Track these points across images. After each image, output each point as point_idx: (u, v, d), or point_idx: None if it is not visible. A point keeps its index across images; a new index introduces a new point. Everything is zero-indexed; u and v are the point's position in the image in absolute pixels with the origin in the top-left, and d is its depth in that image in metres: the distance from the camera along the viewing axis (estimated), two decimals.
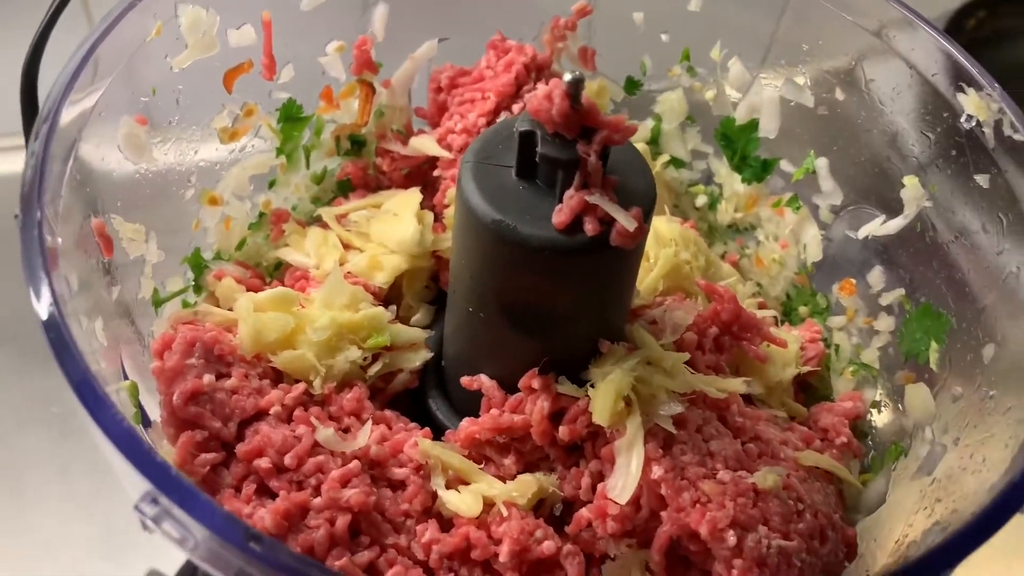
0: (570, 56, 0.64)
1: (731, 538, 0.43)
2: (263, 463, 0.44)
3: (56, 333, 0.34)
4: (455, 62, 0.63)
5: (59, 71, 0.42)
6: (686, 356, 0.48)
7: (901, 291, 0.55)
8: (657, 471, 0.44)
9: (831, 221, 0.60)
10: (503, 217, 0.43)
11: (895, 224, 0.54)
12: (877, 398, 0.55)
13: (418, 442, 0.48)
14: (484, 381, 0.49)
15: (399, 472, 0.47)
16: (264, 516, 0.42)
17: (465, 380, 0.50)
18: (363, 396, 0.50)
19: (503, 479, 0.48)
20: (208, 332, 0.48)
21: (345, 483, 0.45)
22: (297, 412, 0.47)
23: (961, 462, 0.44)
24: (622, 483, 0.45)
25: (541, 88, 0.41)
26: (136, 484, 0.31)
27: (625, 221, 0.41)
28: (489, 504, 0.46)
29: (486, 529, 0.45)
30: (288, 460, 0.44)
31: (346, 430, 0.48)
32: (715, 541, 0.43)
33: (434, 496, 0.47)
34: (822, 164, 0.59)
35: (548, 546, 0.45)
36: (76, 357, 0.33)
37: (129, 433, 0.31)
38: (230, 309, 0.52)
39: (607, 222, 0.42)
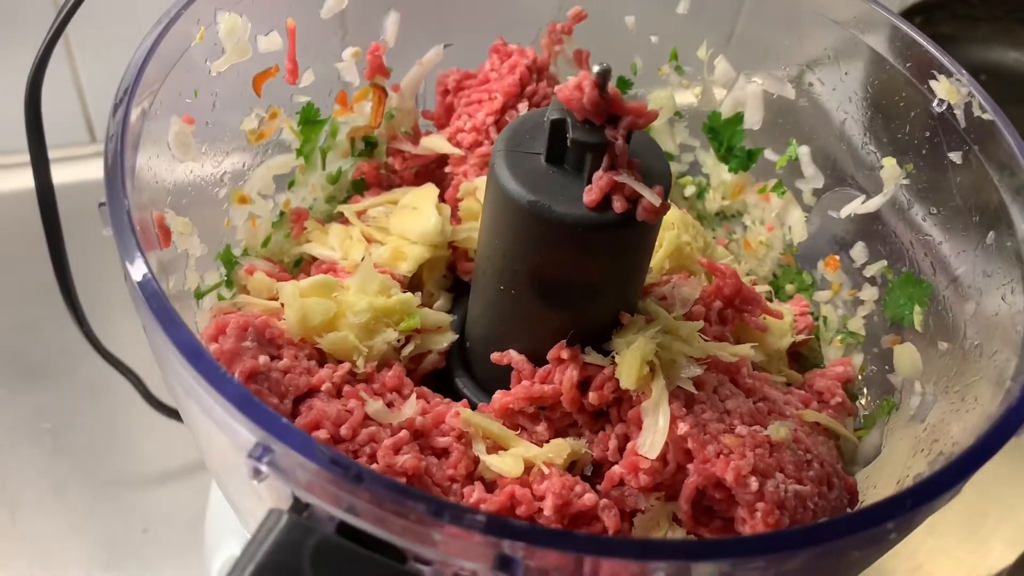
0: (566, 59, 0.69)
1: (754, 484, 0.47)
2: (321, 435, 0.47)
3: (158, 303, 0.36)
4: (458, 66, 0.67)
5: (124, 68, 0.45)
6: (700, 324, 0.53)
7: (883, 263, 0.60)
8: (682, 428, 0.49)
9: (814, 203, 0.65)
10: (538, 198, 0.47)
11: (875, 202, 0.60)
12: (864, 362, 0.60)
13: (459, 412, 0.51)
14: (514, 356, 0.53)
15: (442, 440, 0.50)
16: None
17: (495, 356, 0.54)
18: (402, 373, 0.53)
19: (537, 445, 0.52)
20: (258, 317, 0.51)
21: (397, 451, 0.48)
22: (345, 388, 0.50)
23: (952, 406, 0.49)
24: (651, 440, 0.49)
25: (571, 79, 0.45)
26: (246, 436, 0.34)
27: (651, 197, 0.46)
28: (528, 466, 0.50)
29: (529, 487, 0.49)
30: (344, 431, 0.48)
31: (390, 405, 0.51)
32: (739, 487, 0.47)
33: (476, 462, 0.51)
34: (804, 152, 0.64)
35: (589, 498, 0.48)
36: (178, 321, 0.36)
37: (239, 388, 0.34)
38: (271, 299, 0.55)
39: (633, 200, 0.46)
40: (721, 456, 0.48)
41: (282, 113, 0.60)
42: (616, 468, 0.50)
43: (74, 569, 0.83)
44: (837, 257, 0.63)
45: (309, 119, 0.63)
